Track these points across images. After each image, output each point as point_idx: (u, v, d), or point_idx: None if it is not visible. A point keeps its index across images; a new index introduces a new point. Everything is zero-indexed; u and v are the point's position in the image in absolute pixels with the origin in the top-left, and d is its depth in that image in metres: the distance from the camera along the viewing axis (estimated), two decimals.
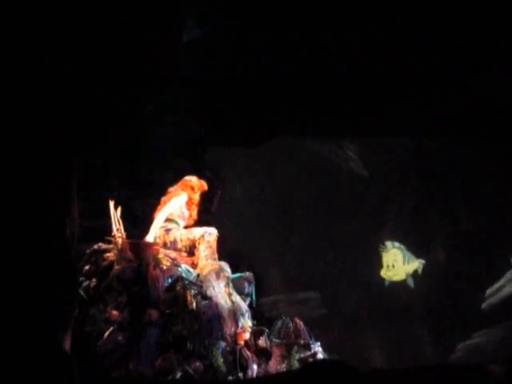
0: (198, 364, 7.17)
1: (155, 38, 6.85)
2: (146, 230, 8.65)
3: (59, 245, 5.80)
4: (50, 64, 5.81)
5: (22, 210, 5.52)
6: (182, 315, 7.49)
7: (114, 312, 7.48)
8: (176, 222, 8.69)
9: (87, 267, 8.04)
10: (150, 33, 6.75)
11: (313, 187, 14.40)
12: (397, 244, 12.94)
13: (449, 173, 13.79)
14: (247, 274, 8.66)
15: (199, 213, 9.07)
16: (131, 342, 7.26)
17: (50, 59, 5.79)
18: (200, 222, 8.96)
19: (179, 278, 7.83)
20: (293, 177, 14.32)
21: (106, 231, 8.29)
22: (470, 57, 9.95)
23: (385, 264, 12.81)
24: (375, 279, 13.55)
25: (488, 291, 12.90)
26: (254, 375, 7.50)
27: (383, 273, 12.74)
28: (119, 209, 8.38)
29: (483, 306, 12.88)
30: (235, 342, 7.61)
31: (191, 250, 8.48)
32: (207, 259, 8.26)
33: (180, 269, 8.07)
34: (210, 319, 7.53)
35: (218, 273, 8.11)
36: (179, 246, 8.47)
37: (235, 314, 7.75)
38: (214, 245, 8.49)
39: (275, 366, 7.83)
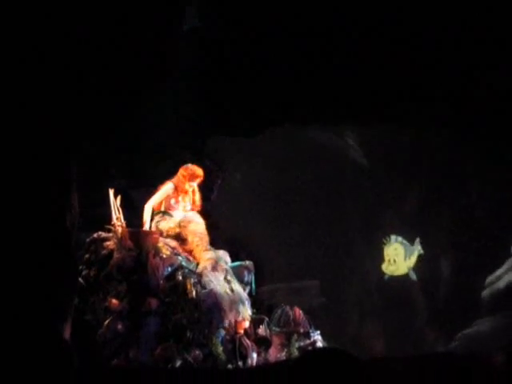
0: (197, 352, 7.19)
1: (155, 28, 6.82)
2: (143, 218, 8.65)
3: (59, 233, 5.80)
4: (50, 53, 5.79)
5: (21, 199, 5.52)
6: (181, 304, 7.50)
7: (114, 301, 7.49)
8: (168, 214, 8.62)
9: (87, 256, 8.05)
10: (150, 24, 6.72)
11: (313, 176, 14.38)
12: (399, 239, 12.97)
13: (449, 162, 13.78)
14: (247, 262, 8.66)
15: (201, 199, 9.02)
16: (131, 330, 7.28)
17: (48, 49, 5.77)
18: (200, 210, 8.92)
19: (179, 267, 7.83)
20: (293, 166, 14.31)
21: (105, 220, 8.28)
22: (470, 57, 9.93)
23: (386, 259, 12.83)
24: (375, 268, 13.58)
25: (488, 280, 12.91)
26: (254, 364, 7.52)
27: (385, 267, 12.77)
28: (119, 198, 8.37)
29: (483, 294, 12.89)
30: (235, 331, 7.62)
31: (180, 238, 8.42)
32: (201, 250, 8.21)
33: (180, 257, 8.07)
34: (210, 308, 7.53)
35: (215, 266, 8.08)
36: (165, 236, 8.41)
37: (235, 302, 7.75)
38: (203, 231, 8.44)
39: (275, 354, 7.85)
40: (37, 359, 5.06)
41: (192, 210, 8.76)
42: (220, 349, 7.32)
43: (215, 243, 8.71)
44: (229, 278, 8.07)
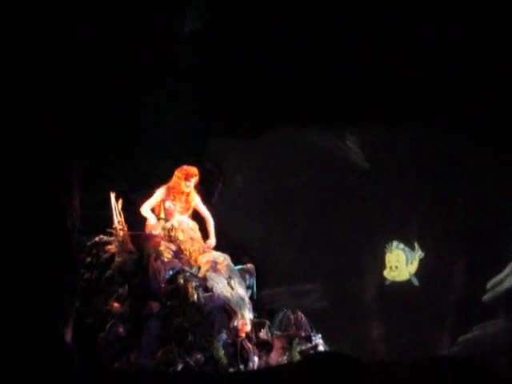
0: (199, 356, 7.19)
1: (156, 29, 6.82)
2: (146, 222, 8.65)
3: (60, 235, 5.79)
4: (50, 54, 5.79)
5: (22, 201, 5.52)
6: (183, 307, 7.50)
7: (116, 304, 7.49)
8: (163, 219, 8.61)
9: (88, 259, 8.04)
10: (151, 24, 6.72)
11: (314, 179, 14.36)
12: (401, 245, 12.97)
13: (450, 164, 13.76)
14: (248, 266, 8.66)
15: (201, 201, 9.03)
16: (132, 333, 7.28)
17: (48, 49, 5.77)
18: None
19: (180, 270, 7.83)
20: (294, 168, 14.29)
21: (106, 223, 8.28)
22: (470, 57, 9.93)
23: (388, 265, 12.85)
24: (377, 272, 13.55)
25: (489, 284, 12.89)
26: (255, 367, 7.51)
27: (386, 273, 12.77)
28: (120, 201, 8.37)
29: (484, 298, 12.87)
30: (236, 334, 7.62)
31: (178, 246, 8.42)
32: (198, 255, 8.22)
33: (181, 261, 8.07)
34: (211, 311, 7.53)
35: (214, 267, 8.08)
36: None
37: (237, 305, 7.75)
38: (194, 236, 8.44)
39: (276, 358, 7.85)
40: (38, 362, 5.05)
41: (185, 209, 8.75)
42: (221, 352, 7.31)
43: (217, 247, 8.71)
44: (232, 282, 8.06)
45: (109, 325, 7.30)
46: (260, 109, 10.97)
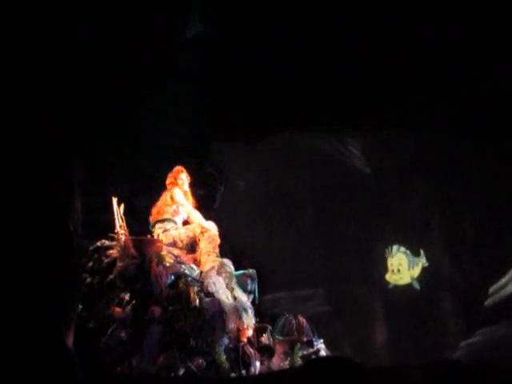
0: (200, 361, 7.18)
1: (156, 33, 6.84)
2: (148, 226, 8.65)
3: (62, 240, 5.80)
4: (51, 58, 5.80)
5: (25, 206, 5.52)
6: (184, 312, 7.49)
7: (117, 309, 7.48)
8: (172, 221, 8.63)
9: (90, 264, 8.03)
10: (152, 28, 6.74)
11: (315, 183, 14.39)
12: (402, 249, 12.97)
13: (450, 168, 13.77)
14: (250, 270, 8.65)
15: (199, 202, 9.05)
16: (134, 338, 7.26)
17: (50, 53, 5.78)
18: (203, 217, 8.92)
19: (182, 275, 7.82)
20: (295, 173, 14.31)
21: (108, 227, 8.28)
22: (470, 57, 9.94)
23: (390, 268, 12.85)
24: (379, 277, 13.55)
25: (492, 289, 12.88)
26: (257, 372, 7.50)
27: (388, 276, 12.77)
28: (122, 206, 8.38)
29: (487, 303, 12.86)
30: (238, 339, 7.61)
31: (193, 248, 8.46)
32: (209, 255, 8.24)
33: (183, 266, 8.06)
34: (213, 316, 7.52)
35: (219, 269, 8.11)
36: (180, 245, 8.44)
37: (238, 310, 7.74)
38: (216, 239, 8.47)
39: (278, 362, 7.83)
40: (39, 366, 5.05)
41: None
42: (223, 357, 7.30)
43: (219, 252, 8.71)
44: (232, 285, 8.07)
45: (110, 329, 7.29)
46: (261, 113, 10.99)
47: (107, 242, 8.20)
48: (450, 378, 6.04)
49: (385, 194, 14.29)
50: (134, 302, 7.51)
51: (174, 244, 8.41)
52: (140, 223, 8.99)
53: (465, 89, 10.56)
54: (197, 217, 8.63)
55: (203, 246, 8.33)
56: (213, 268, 8.07)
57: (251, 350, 7.61)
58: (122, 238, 8.08)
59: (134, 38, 6.52)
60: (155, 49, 6.97)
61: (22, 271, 5.36)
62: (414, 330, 13.66)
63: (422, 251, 12.89)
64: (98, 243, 8.22)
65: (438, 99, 10.82)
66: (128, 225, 8.28)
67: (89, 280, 7.86)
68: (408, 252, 13.07)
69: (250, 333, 7.77)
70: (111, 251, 8.07)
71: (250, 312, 7.94)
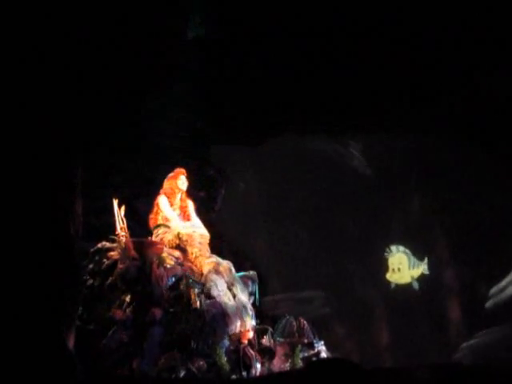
0: (201, 363, 7.17)
1: (157, 35, 6.85)
2: (149, 228, 8.65)
3: (63, 242, 5.80)
4: (52, 60, 5.80)
5: (26, 208, 5.53)
6: (185, 314, 7.48)
7: (118, 311, 7.48)
8: (166, 226, 8.60)
9: (91, 266, 8.04)
10: (153, 30, 6.75)
11: (316, 185, 14.38)
12: (402, 248, 12.96)
13: (450, 170, 13.78)
14: (251, 272, 8.65)
15: (198, 204, 9.03)
16: (135, 340, 7.27)
17: (49, 58, 5.78)
18: (203, 220, 8.92)
19: (182, 277, 7.82)
20: (296, 175, 14.31)
21: (109, 229, 8.29)
22: (470, 57, 9.94)
23: (390, 267, 12.84)
24: (380, 278, 13.54)
25: (492, 290, 12.88)
26: (258, 374, 7.49)
27: (389, 276, 12.77)
28: (123, 207, 8.38)
29: (487, 304, 12.85)
30: (239, 341, 7.61)
31: (181, 249, 8.41)
32: (201, 258, 8.21)
33: (183, 267, 8.06)
34: (214, 318, 7.52)
35: (217, 269, 8.09)
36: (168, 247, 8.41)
37: (239, 310, 7.74)
38: (202, 239, 8.43)
39: (279, 364, 7.83)
40: (40, 368, 5.05)
41: (183, 213, 8.76)
42: (224, 359, 7.30)
43: (219, 253, 8.71)
44: (232, 282, 8.05)
45: (111, 331, 7.29)
46: (262, 116, 11.00)
47: (108, 244, 8.21)
48: (450, 380, 6.04)
49: (385, 195, 14.29)
50: (134, 303, 7.52)
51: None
52: (140, 225, 8.99)
53: (465, 90, 10.56)
54: (174, 224, 8.55)
55: (190, 250, 8.31)
56: (211, 270, 8.05)
57: (252, 351, 7.61)
58: (123, 239, 8.08)
59: (135, 40, 6.54)
60: (155, 50, 6.98)
61: (22, 273, 5.37)
62: (415, 332, 13.65)
63: (426, 258, 12.87)
64: (99, 245, 8.22)
65: (439, 100, 10.83)
66: (129, 227, 8.28)
67: (89, 282, 7.86)
68: (408, 251, 13.06)
69: (250, 335, 7.77)
70: (112, 253, 8.07)
71: (251, 314, 7.94)
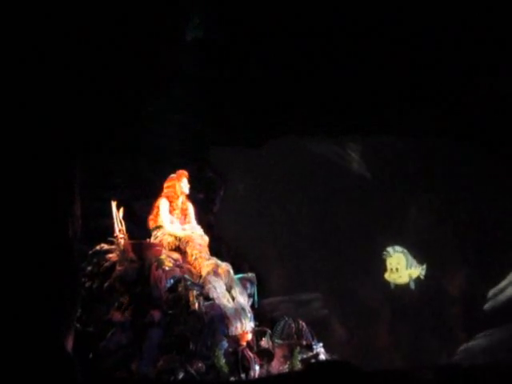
0: (200, 364, 7.17)
1: (156, 37, 6.85)
2: (148, 230, 8.65)
3: (61, 244, 5.80)
4: (50, 64, 5.81)
5: (24, 210, 5.53)
6: (184, 316, 7.49)
7: (117, 313, 7.48)
8: (162, 227, 8.59)
9: (90, 268, 8.04)
10: (152, 33, 6.75)
11: (315, 187, 14.39)
12: (399, 248, 12.96)
13: (450, 172, 13.78)
14: (249, 274, 8.66)
15: (197, 206, 9.04)
16: (133, 342, 7.27)
17: (50, 59, 5.79)
18: (202, 222, 8.93)
19: (181, 279, 7.82)
20: (295, 177, 14.32)
21: (108, 231, 8.29)
22: (470, 57, 9.94)
23: (388, 267, 12.86)
24: (379, 281, 13.54)
25: (491, 292, 12.88)
26: (256, 376, 7.50)
27: (387, 275, 12.78)
28: (121, 209, 8.38)
29: (486, 306, 12.86)
30: (237, 343, 7.61)
31: (180, 251, 8.42)
32: (200, 260, 8.21)
33: (182, 269, 8.07)
34: (213, 319, 7.52)
35: (216, 270, 8.10)
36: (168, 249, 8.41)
37: (237, 312, 7.74)
38: (201, 242, 8.44)
39: (277, 366, 7.83)
40: (39, 370, 5.05)
41: (183, 216, 8.76)
42: (223, 361, 7.30)
43: (218, 255, 8.71)
44: (231, 285, 8.06)
45: (110, 333, 7.29)
46: (262, 117, 10.99)
47: (106, 246, 8.22)
48: (450, 381, 6.04)
49: (384, 197, 14.29)
50: (133, 305, 7.52)
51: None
52: (139, 227, 8.99)
53: (465, 90, 10.56)
54: (167, 228, 8.56)
55: (190, 252, 8.31)
56: (210, 271, 8.06)
57: (251, 353, 7.61)
58: (122, 241, 8.08)
59: (134, 41, 6.53)
60: (155, 51, 6.98)
61: (21, 275, 5.37)
62: (414, 334, 13.66)
63: (425, 264, 12.88)
64: (98, 247, 8.23)
65: (438, 102, 10.84)
66: (127, 229, 8.28)
67: (88, 284, 7.86)
68: (405, 251, 13.06)
69: (249, 337, 7.78)
70: (110, 255, 8.08)
71: (250, 316, 7.94)
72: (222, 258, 8.62)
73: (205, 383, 7.04)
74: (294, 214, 14.40)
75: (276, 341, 8.09)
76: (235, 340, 7.62)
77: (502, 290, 12.71)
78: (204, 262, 8.18)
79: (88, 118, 6.43)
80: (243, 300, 8.11)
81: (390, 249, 12.44)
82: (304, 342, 8.18)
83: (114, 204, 8.38)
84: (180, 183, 8.78)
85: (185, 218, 8.77)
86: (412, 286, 12.63)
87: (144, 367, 7.06)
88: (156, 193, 8.89)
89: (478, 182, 13.25)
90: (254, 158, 13.43)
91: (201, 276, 8.07)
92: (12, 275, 5.35)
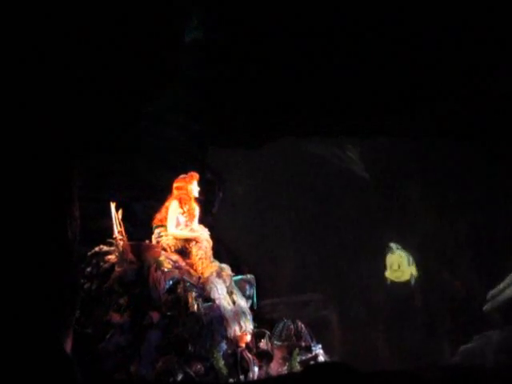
0: (198, 366, 7.17)
1: (156, 38, 6.84)
2: (147, 231, 8.63)
3: (60, 246, 5.79)
4: (50, 64, 5.80)
5: (23, 211, 5.51)
6: (183, 317, 7.48)
7: (116, 314, 7.47)
8: (165, 227, 8.58)
9: (88, 269, 8.03)
10: (151, 33, 6.74)
11: (314, 189, 14.40)
12: (399, 246, 13.00)
13: (449, 173, 13.80)
14: (248, 276, 8.65)
15: (200, 207, 9.03)
16: (132, 344, 7.25)
17: (49, 59, 5.78)
18: (201, 223, 8.91)
19: (180, 280, 7.81)
20: (294, 179, 14.33)
21: (107, 232, 8.27)
22: (470, 57, 9.95)
23: (389, 265, 12.88)
24: (378, 281, 13.55)
25: (490, 293, 12.87)
26: (255, 377, 7.49)
27: (389, 274, 12.81)
28: (120, 211, 8.37)
29: (485, 307, 12.85)
30: (236, 345, 7.60)
31: (184, 252, 8.41)
32: (204, 261, 8.21)
33: (181, 271, 8.06)
34: (212, 321, 7.51)
35: (219, 273, 8.11)
36: (170, 251, 8.39)
37: (237, 315, 7.74)
38: (209, 245, 8.45)
39: (276, 368, 7.82)
40: (38, 372, 5.03)
41: (192, 217, 8.75)
42: (221, 362, 7.29)
43: (217, 257, 8.70)
44: (232, 290, 8.07)
45: (109, 335, 7.28)
46: (261, 118, 10.99)
47: (105, 248, 8.19)
48: (450, 382, 6.03)
49: (383, 198, 14.30)
50: (132, 307, 7.50)
51: (164, 250, 8.38)
52: (138, 228, 8.97)
53: (464, 91, 10.57)
54: (172, 230, 8.52)
55: (195, 252, 8.31)
56: (213, 272, 8.07)
57: (249, 355, 7.61)
58: (121, 243, 8.06)
59: (134, 42, 6.53)
60: (155, 53, 6.97)
61: (20, 276, 5.35)
62: (413, 335, 13.67)
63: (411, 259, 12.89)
64: (96, 248, 8.21)
65: (438, 102, 10.84)
66: (126, 230, 8.27)
67: (87, 285, 7.85)
68: (405, 250, 13.08)
69: (248, 338, 7.77)
70: (109, 256, 8.06)
71: (249, 317, 7.94)
72: (221, 260, 8.62)
73: None
74: (293, 215, 14.40)
75: (275, 342, 8.09)
76: (234, 341, 7.61)
77: (501, 291, 12.71)
78: (208, 262, 8.19)
79: (87, 119, 6.42)
80: (243, 303, 8.11)
81: (392, 245, 12.47)
82: (303, 344, 8.17)
83: (113, 205, 8.37)
84: (191, 185, 8.75)
85: (192, 220, 8.76)
86: (412, 281, 12.65)
87: (143, 369, 7.05)
88: (155, 194, 8.88)
89: (478, 182, 13.26)
90: (253, 159, 13.44)
91: (200, 277, 8.06)
92: (10, 276, 5.33)
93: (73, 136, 6.14)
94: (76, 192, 6.24)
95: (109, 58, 6.31)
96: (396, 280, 12.83)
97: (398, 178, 14.32)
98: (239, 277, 8.53)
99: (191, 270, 8.19)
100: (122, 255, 7.91)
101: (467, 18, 9.35)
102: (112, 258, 8.03)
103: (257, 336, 7.97)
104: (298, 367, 7.82)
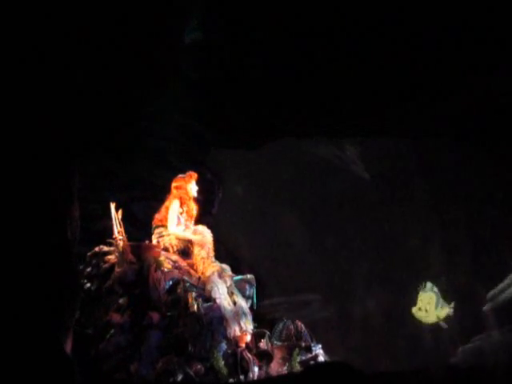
0: (199, 366, 7.17)
1: (156, 38, 6.85)
2: (147, 232, 8.64)
3: (60, 246, 5.79)
4: (50, 64, 5.80)
5: (23, 212, 5.51)
6: (183, 318, 7.48)
7: (116, 314, 7.47)
8: (165, 226, 8.59)
9: (88, 270, 8.04)
10: (151, 33, 6.75)
11: (314, 189, 14.38)
12: (435, 288, 12.92)
13: (449, 174, 13.78)
14: (248, 276, 8.66)
15: (199, 209, 9.04)
16: (132, 344, 7.26)
17: (50, 59, 5.79)
18: (201, 223, 8.92)
19: (180, 281, 7.82)
20: (294, 179, 14.30)
21: (107, 233, 8.28)
22: (470, 57, 9.94)
23: (419, 304, 12.81)
24: (377, 282, 13.53)
25: (490, 293, 12.86)
26: (255, 377, 7.49)
27: (414, 311, 12.74)
28: (120, 211, 8.37)
29: (485, 308, 12.84)
30: (236, 345, 7.60)
31: (186, 253, 8.43)
32: (206, 261, 8.23)
33: (181, 271, 8.06)
34: (212, 321, 7.52)
35: (221, 273, 8.13)
36: (171, 252, 8.40)
37: (237, 315, 7.75)
38: (210, 245, 8.46)
39: (276, 368, 7.83)
40: (38, 373, 5.04)
41: (191, 217, 8.77)
42: (221, 363, 7.29)
43: (216, 257, 8.71)
44: (232, 290, 8.08)
45: (109, 335, 7.28)
46: (261, 120, 10.99)
47: (105, 248, 8.21)
48: (449, 382, 6.04)
49: (383, 200, 14.29)
50: (132, 307, 7.51)
51: (165, 250, 8.40)
52: (138, 229, 8.98)
53: (464, 91, 10.56)
54: (173, 230, 8.54)
55: (197, 252, 8.32)
56: (215, 272, 8.08)
57: (249, 355, 7.61)
58: (120, 243, 8.07)
59: (134, 42, 6.53)
60: (155, 53, 6.97)
61: (20, 277, 5.36)
62: (413, 335, 13.64)
63: (453, 304, 12.83)
64: (96, 249, 8.22)
65: (438, 102, 10.84)
66: (126, 230, 8.27)
67: (87, 286, 7.86)
68: (437, 290, 13.01)
69: (248, 338, 7.77)
70: (109, 257, 8.07)
71: (249, 317, 7.94)
72: (221, 260, 8.63)
73: None
74: (293, 216, 14.38)
75: (275, 342, 8.10)
76: (234, 342, 7.62)
77: (501, 292, 12.69)
78: (210, 263, 8.21)
79: (87, 119, 6.43)
80: (244, 304, 8.11)
81: (428, 284, 12.42)
82: (303, 344, 8.18)
83: (112, 206, 8.38)
84: (190, 185, 8.80)
85: (191, 220, 8.78)
86: (444, 326, 12.59)
87: (143, 369, 7.05)
88: (155, 194, 8.89)
89: (478, 182, 13.25)
90: (253, 160, 13.42)
91: (200, 278, 8.07)
92: (10, 277, 5.33)
93: (73, 136, 6.15)
94: (76, 192, 6.25)
95: (109, 58, 6.31)
96: (419, 319, 12.78)
97: (398, 178, 14.30)
98: (239, 277, 8.54)
99: (191, 271, 8.21)
100: (121, 255, 7.92)
101: (467, 18, 9.34)
102: (112, 258, 8.04)
103: (257, 336, 7.98)
104: (298, 367, 7.83)
